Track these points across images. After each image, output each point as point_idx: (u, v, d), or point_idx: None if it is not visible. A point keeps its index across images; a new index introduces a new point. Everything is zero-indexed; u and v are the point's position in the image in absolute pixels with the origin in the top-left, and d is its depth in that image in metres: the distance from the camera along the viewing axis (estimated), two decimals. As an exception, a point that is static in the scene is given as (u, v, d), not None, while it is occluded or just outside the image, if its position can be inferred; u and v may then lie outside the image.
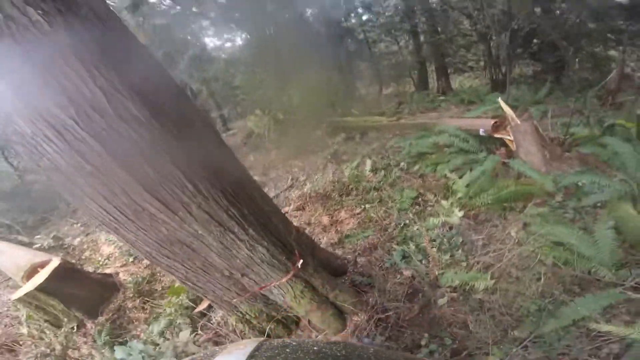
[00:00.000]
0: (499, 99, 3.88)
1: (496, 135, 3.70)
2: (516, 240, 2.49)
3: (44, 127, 1.25)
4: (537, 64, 6.56)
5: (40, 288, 2.73)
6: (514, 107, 4.50)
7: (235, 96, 9.46)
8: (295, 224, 2.98)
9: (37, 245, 4.52)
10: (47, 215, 6.03)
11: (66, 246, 4.60)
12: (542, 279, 2.13)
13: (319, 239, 3.14)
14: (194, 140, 1.50)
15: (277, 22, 7.41)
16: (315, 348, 0.41)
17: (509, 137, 3.56)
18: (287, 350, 0.41)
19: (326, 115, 6.33)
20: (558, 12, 5.67)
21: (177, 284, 2.66)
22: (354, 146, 5.10)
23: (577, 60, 5.58)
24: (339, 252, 2.90)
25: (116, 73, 1.30)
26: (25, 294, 2.72)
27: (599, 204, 2.64)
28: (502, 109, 3.85)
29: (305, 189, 4.10)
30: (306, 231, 3.24)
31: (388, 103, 7.21)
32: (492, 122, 3.70)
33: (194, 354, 2.19)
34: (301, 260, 1.89)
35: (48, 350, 2.70)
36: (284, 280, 1.82)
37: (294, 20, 7.80)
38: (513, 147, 3.51)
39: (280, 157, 5.50)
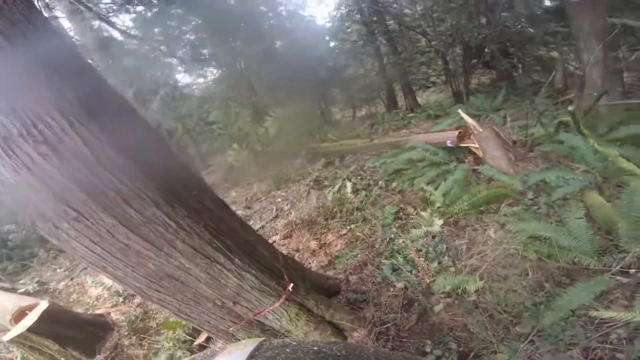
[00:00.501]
0: (459, 111, 4.15)
1: (462, 145, 3.92)
2: (496, 240, 2.60)
3: (27, 176, 1.30)
4: (492, 72, 7.01)
5: (31, 329, 2.69)
6: (476, 116, 4.84)
7: (212, 131, 9.50)
8: (284, 251, 3.02)
9: (21, 290, 4.40)
10: (26, 262, 5.84)
11: (51, 290, 4.48)
12: (530, 274, 2.19)
13: (309, 263, 3.17)
14: (174, 181, 1.58)
15: (247, 55, 7.65)
16: (315, 348, 0.41)
17: (474, 145, 3.79)
18: (287, 350, 0.41)
19: (304, 143, 6.45)
20: (499, 21, 6.06)
21: (172, 318, 2.61)
22: (334, 170, 5.23)
23: (522, 65, 5.98)
24: (330, 273, 2.93)
25: (94, 121, 1.37)
26: (17, 336, 2.66)
27: (567, 196, 2.79)
28: (464, 120, 4.13)
29: (290, 217, 4.15)
30: (296, 257, 3.28)
31: (362, 125, 7.47)
32: (457, 132, 3.93)
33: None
34: (292, 284, 1.93)
35: None
36: (277, 304, 1.84)
37: (264, 53, 8.01)
38: (480, 154, 3.72)
39: (262, 189, 5.54)
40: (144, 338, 2.88)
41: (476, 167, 3.52)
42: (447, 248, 2.75)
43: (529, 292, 2.09)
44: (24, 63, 1.24)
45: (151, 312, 3.22)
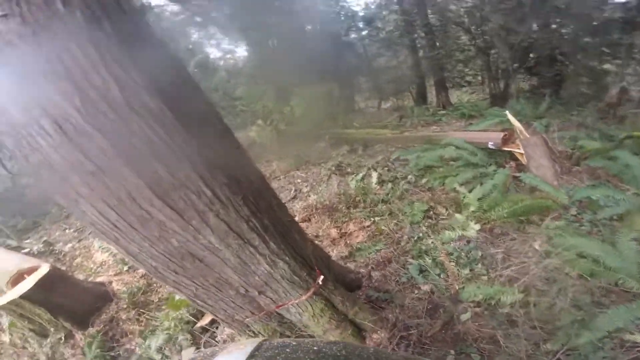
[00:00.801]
0: (507, 112, 3.80)
1: (505, 149, 3.58)
2: (541, 254, 2.35)
3: (39, 117, 1.03)
4: (534, 78, 6.56)
5: (25, 296, 2.44)
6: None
7: (235, 107, 9.31)
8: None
9: (26, 250, 4.17)
10: (38, 220, 5.66)
11: (57, 252, 4.26)
12: (570, 292, 2.00)
13: (329, 252, 2.91)
14: (214, 142, 1.29)
15: (279, 34, 7.35)
16: (315, 348, 0.40)
17: (518, 151, 3.45)
18: (287, 350, 0.40)
19: (328, 127, 6.17)
20: (554, 26, 5.63)
21: (177, 297, 2.40)
22: (357, 158, 4.91)
23: (574, 74, 5.56)
24: (350, 265, 2.68)
25: (132, 61, 1.09)
26: (9, 302, 2.43)
27: (615, 217, 2.57)
28: (510, 122, 3.76)
29: (309, 201, 3.89)
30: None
31: (388, 116, 7.10)
32: (502, 134, 3.57)
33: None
34: (322, 276, 1.67)
35: None
36: (304, 298, 1.59)
37: (295, 33, 7.75)
38: (523, 160, 3.39)
39: (282, 168, 5.27)
40: (143, 313, 2.66)
41: (518, 174, 3.19)
42: (481, 255, 2.49)
43: (567, 310, 1.92)
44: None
45: (155, 285, 2.99)
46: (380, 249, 2.78)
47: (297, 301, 1.59)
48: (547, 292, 2.06)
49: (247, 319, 1.64)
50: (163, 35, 6.87)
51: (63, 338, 2.55)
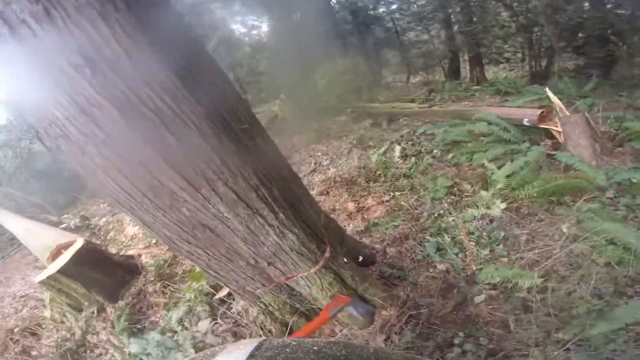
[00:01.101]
0: (547, 89, 3.51)
1: (542, 126, 3.33)
2: (568, 237, 2.21)
3: (55, 89, 1.07)
4: (581, 58, 6.08)
5: (62, 270, 2.63)
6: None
7: (259, 82, 9.31)
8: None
9: (64, 225, 4.50)
10: (76, 195, 6.06)
11: (92, 226, 4.58)
12: (594, 279, 1.89)
13: (345, 226, 2.92)
14: (224, 109, 1.29)
15: (303, 7, 7.15)
16: (315, 348, 0.41)
17: (556, 128, 3.20)
18: (287, 350, 0.40)
19: (351, 101, 6.02)
20: (609, 5, 5.16)
21: (198, 269, 2.52)
22: (380, 132, 4.79)
23: (627, 54, 5.05)
24: (366, 240, 2.68)
25: (142, 33, 1.10)
26: (48, 277, 2.62)
27: None
28: (549, 100, 3.48)
29: (329, 174, 3.87)
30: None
31: (417, 91, 6.81)
32: (539, 111, 3.32)
33: (212, 345, 2.07)
34: (330, 250, 1.68)
35: (68, 335, 2.63)
36: (312, 270, 1.62)
37: (321, 6, 7.54)
38: (560, 139, 3.15)
39: (303, 141, 5.27)
40: (168, 285, 2.79)
41: (553, 152, 2.98)
42: (504, 236, 2.38)
43: (587, 299, 1.82)
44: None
45: (179, 257, 3.12)
46: (398, 225, 2.75)
47: (305, 274, 1.62)
48: (568, 279, 1.96)
49: (258, 290, 1.70)
50: (186, 13, 6.92)
51: (95, 312, 2.75)
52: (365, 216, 3.01)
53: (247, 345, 0.42)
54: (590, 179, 2.63)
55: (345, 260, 1.79)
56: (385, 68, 8.99)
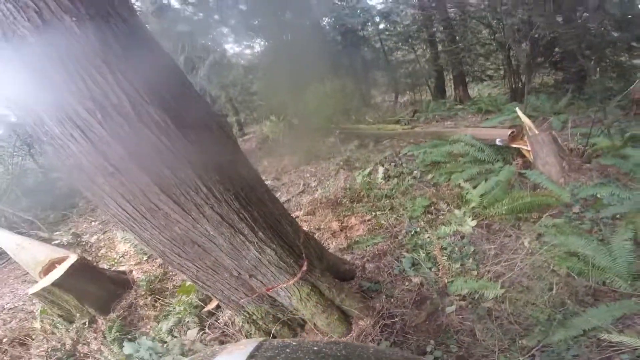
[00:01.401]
0: (517, 109, 3.84)
1: (513, 145, 3.66)
2: (529, 250, 2.47)
3: (71, 129, 1.36)
4: (558, 73, 6.45)
5: (56, 283, 2.83)
6: (533, 117, 4.48)
7: (252, 102, 9.68)
8: (305, 228, 3.04)
9: (56, 242, 4.68)
10: (67, 213, 6.25)
11: (84, 243, 4.77)
12: (555, 289, 2.12)
13: (328, 244, 3.18)
14: (210, 145, 1.59)
15: (294, 29, 7.60)
16: (315, 348, 0.41)
17: (526, 148, 3.52)
18: (287, 350, 0.41)
19: (340, 122, 6.38)
20: (580, 21, 5.53)
21: (188, 283, 2.75)
22: (366, 153, 5.13)
23: (599, 69, 5.45)
24: (347, 257, 2.93)
25: (140, 78, 1.40)
26: (42, 289, 2.82)
27: (617, 216, 2.61)
28: (520, 118, 3.82)
29: (316, 195, 4.16)
30: (316, 236, 3.29)
31: (403, 111, 7.20)
32: (509, 132, 3.65)
33: (199, 352, 2.27)
34: (307, 264, 1.94)
35: (59, 345, 2.79)
36: (290, 282, 1.87)
37: (312, 28, 8.00)
38: (530, 157, 3.46)
39: (293, 162, 5.58)
40: (159, 299, 3.01)
41: (523, 171, 3.29)
42: (474, 250, 2.65)
43: (548, 307, 2.03)
44: (76, 20, 1.27)
45: (170, 273, 3.37)
46: (378, 242, 3.00)
47: (284, 285, 1.87)
48: (530, 289, 2.18)
49: (242, 300, 1.95)
50: (183, 35, 7.32)
51: (87, 323, 2.94)
52: (348, 234, 3.27)
53: (247, 346, 0.45)
54: (555, 196, 2.93)
55: (320, 274, 2.04)
56: (374, 88, 9.39)
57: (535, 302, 2.09)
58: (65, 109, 1.35)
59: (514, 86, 6.63)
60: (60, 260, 3.11)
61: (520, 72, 6.41)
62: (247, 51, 10.28)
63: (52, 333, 2.96)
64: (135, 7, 7.26)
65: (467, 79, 7.78)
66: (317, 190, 4.37)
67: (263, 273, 1.84)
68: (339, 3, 8.43)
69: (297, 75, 6.90)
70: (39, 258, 3.22)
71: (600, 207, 2.74)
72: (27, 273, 3.77)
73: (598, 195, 2.83)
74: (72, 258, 3.06)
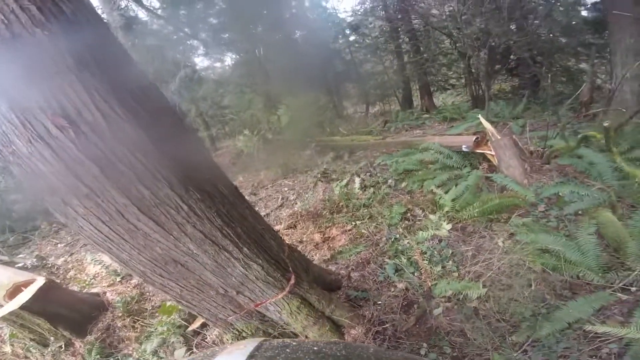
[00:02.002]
0: (479, 116, 4.05)
1: (478, 151, 3.84)
2: (504, 250, 2.58)
3: (41, 148, 1.27)
4: (515, 79, 6.87)
5: (25, 307, 2.64)
6: (494, 123, 4.73)
7: (224, 116, 9.55)
8: (287, 242, 2.99)
9: (19, 265, 4.36)
10: (28, 235, 5.84)
11: (50, 266, 4.45)
12: (533, 285, 2.20)
13: (312, 255, 3.15)
14: (189, 163, 1.54)
15: (266, 42, 7.64)
16: (315, 348, 0.41)
17: (490, 152, 3.70)
18: (287, 350, 0.41)
19: (315, 135, 6.40)
20: (531, 28, 5.93)
21: (169, 303, 2.61)
22: (342, 165, 5.17)
23: (550, 74, 5.86)
24: (332, 267, 2.91)
25: (115, 95, 1.34)
26: (9, 313, 2.62)
27: (580, 212, 2.79)
28: (483, 125, 4.03)
29: (295, 208, 4.13)
30: (299, 248, 3.25)
31: (375, 122, 7.38)
32: (474, 138, 3.84)
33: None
34: (295, 277, 1.91)
35: None
36: (279, 296, 1.83)
37: (283, 41, 8.02)
38: (495, 161, 3.64)
39: (269, 176, 5.52)
40: (138, 320, 2.86)
41: (489, 175, 3.46)
42: (452, 253, 2.73)
43: (530, 303, 2.10)
44: (48, 34, 1.21)
45: (147, 294, 3.21)
46: (360, 251, 3.01)
47: (273, 299, 1.82)
48: (510, 286, 2.26)
49: (230, 318, 1.87)
50: (152, 49, 7.13)
51: (63, 346, 2.74)
52: (331, 245, 3.26)
53: (247, 346, 0.44)
54: (521, 196, 3.09)
55: (308, 286, 2.01)
56: (346, 100, 9.60)
57: (517, 298, 2.16)
58: (36, 127, 1.26)
59: (474, 94, 6.96)
60: (25, 284, 2.90)
61: (480, 80, 6.74)
62: (218, 64, 10.19)
63: (26, 357, 2.77)
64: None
65: (432, 89, 8.11)
66: (296, 203, 4.34)
67: (250, 289, 1.78)
68: (312, 17, 8.54)
69: (270, 88, 6.92)
70: (1, 281, 2.99)
71: (563, 204, 2.92)
72: None
73: (560, 194, 3.02)
74: (40, 281, 2.86)
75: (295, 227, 3.72)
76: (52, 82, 1.24)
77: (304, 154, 5.84)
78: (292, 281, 1.89)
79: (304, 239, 3.45)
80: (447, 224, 2.94)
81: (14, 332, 2.84)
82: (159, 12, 7.91)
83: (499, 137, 3.70)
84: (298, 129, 6.29)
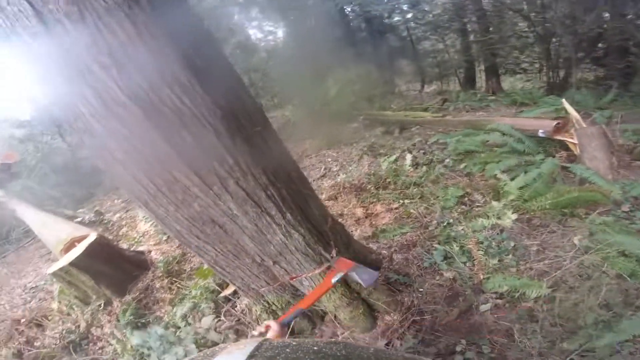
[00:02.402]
0: (563, 100, 3.51)
1: (557, 138, 3.33)
2: (579, 249, 2.21)
3: (82, 87, 1.17)
4: (600, 69, 6.04)
5: (73, 263, 2.69)
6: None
7: (274, 87, 9.49)
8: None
9: (79, 219, 4.63)
10: (92, 190, 6.24)
11: (106, 221, 4.70)
12: (604, 291, 1.89)
13: (352, 231, 2.95)
14: (239, 111, 1.38)
15: (318, 14, 7.38)
16: (315, 348, 0.41)
17: (572, 141, 3.19)
18: (287, 350, 0.41)
19: (363, 109, 6.10)
20: (630, 16, 5.17)
21: (206, 266, 2.59)
22: (392, 140, 4.83)
23: None
24: (373, 246, 2.71)
25: (167, 36, 1.20)
26: (60, 269, 2.68)
27: None
28: (566, 111, 3.47)
29: (338, 179, 3.92)
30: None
31: (430, 100, 6.84)
32: (554, 123, 3.32)
33: (214, 342, 2.10)
34: (335, 251, 1.73)
35: (73, 327, 2.69)
36: (317, 271, 1.66)
37: (336, 14, 7.77)
38: (576, 151, 3.15)
39: (314, 146, 5.35)
40: (175, 282, 2.86)
41: (567, 165, 2.98)
42: (514, 246, 2.39)
43: (595, 309, 1.81)
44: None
45: (188, 255, 3.20)
46: (406, 232, 2.77)
47: (310, 274, 1.66)
48: (577, 289, 1.96)
49: (262, 289, 1.76)
50: (204, 16, 7.15)
51: (102, 305, 2.81)
52: (374, 222, 3.04)
53: (247, 345, 0.43)
54: (605, 192, 2.61)
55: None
56: (399, 76, 9.07)
57: (581, 303, 1.87)
58: (76, 62, 1.15)
59: (551, 80, 6.27)
60: (80, 239, 2.98)
61: (559, 66, 6.07)
62: (270, 37, 10.06)
63: (68, 314, 2.87)
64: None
65: (500, 71, 7.36)
66: (339, 175, 4.13)
67: (288, 260, 1.64)
68: None
69: (320, 60, 6.68)
70: (61, 236, 3.12)
71: (652, 206, 2.43)
72: (51, 251, 3.67)
73: (651, 194, 2.52)
74: (92, 237, 2.91)
75: (337, 199, 3.54)
76: (99, 18, 1.12)
77: (350, 126, 5.58)
78: (333, 256, 1.71)
79: (345, 213, 3.26)
80: (513, 213, 2.57)
81: (62, 289, 2.95)
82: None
83: (584, 125, 3.18)
84: (346, 101, 6.01)
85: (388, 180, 3.56)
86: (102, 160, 1.37)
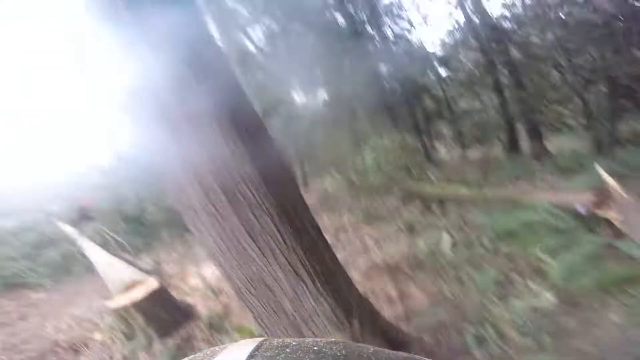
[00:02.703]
0: (597, 166, 3.54)
1: (598, 212, 3.41)
2: (619, 325, 2.33)
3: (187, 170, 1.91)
4: None
5: (135, 303, 3.26)
6: (623, 176, 4.09)
7: (315, 154, 10.12)
8: (360, 290, 3.11)
9: (138, 266, 5.14)
10: (152, 242, 7.13)
11: (160, 271, 5.34)
12: None
13: (383, 309, 3.16)
14: (287, 200, 2.07)
15: (352, 78, 8.00)
16: (315, 348, 0.43)
17: (613, 215, 3.27)
18: (287, 350, 0.43)
19: (400, 179, 6.36)
20: None
21: (247, 324, 2.96)
22: (430, 217, 5.06)
23: None
24: (403, 326, 2.89)
25: (241, 136, 1.93)
26: (122, 306, 3.25)
27: None
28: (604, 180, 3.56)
29: (373, 257, 4.21)
30: (370, 300, 3.32)
31: (471, 168, 7.02)
32: (591, 197, 3.41)
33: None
34: (357, 322, 2.09)
35: (107, 358, 3.12)
36: (339, 338, 2.01)
37: (368, 77, 8.19)
38: (620, 225, 3.20)
39: (351, 220, 5.71)
40: (215, 334, 3.25)
41: (613, 242, 3.07)
42: (552, 326, 2.49)
43: None
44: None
45: (232, 313, 3.62)
46: (439, 314, 2.93)
47: (333, 339, 2.01)
48: None
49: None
50: (260, 83, 8.12)
51: (144, 344, 3.27)
52: (406, 303, 3.24)
53: (247, 345, 0.45)
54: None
55: (371, 337, 2.15)
56: (438, 140, 9.26)
57: None
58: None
59: (598, 137, 6.03)
60: (139, 283, 3.59)
61: (601, 120, 5.88)
62: (312, 102, 10.98)
63: (108, 347, 3.31)
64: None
65: (541, 130, 7.21)
66: (374, 252, 4.41)
67: (316, 323, 2.09)
68: (397, 51, 8.68)
69: (356, 126, 7.21)
70: (123, 277, 3.76)
71: None
72: (104, 287, 4.22)
73: None
74: (153, 283, 3.53)
75: (371, 277, 3.80)
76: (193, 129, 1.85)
77: (387, 199, 5.90)
78: (355, 326, 2.06)
79: (377, 291, 3.50)
80: (550, 294, 2.70)
81: (112, 323, 3.47)
82: (263, 46, 9.03)
83: (625, 196, 3.25)
84: (382, 172, 6.35)
85: (424, 260, 3.80)
86: (195, 229, 2.08)
